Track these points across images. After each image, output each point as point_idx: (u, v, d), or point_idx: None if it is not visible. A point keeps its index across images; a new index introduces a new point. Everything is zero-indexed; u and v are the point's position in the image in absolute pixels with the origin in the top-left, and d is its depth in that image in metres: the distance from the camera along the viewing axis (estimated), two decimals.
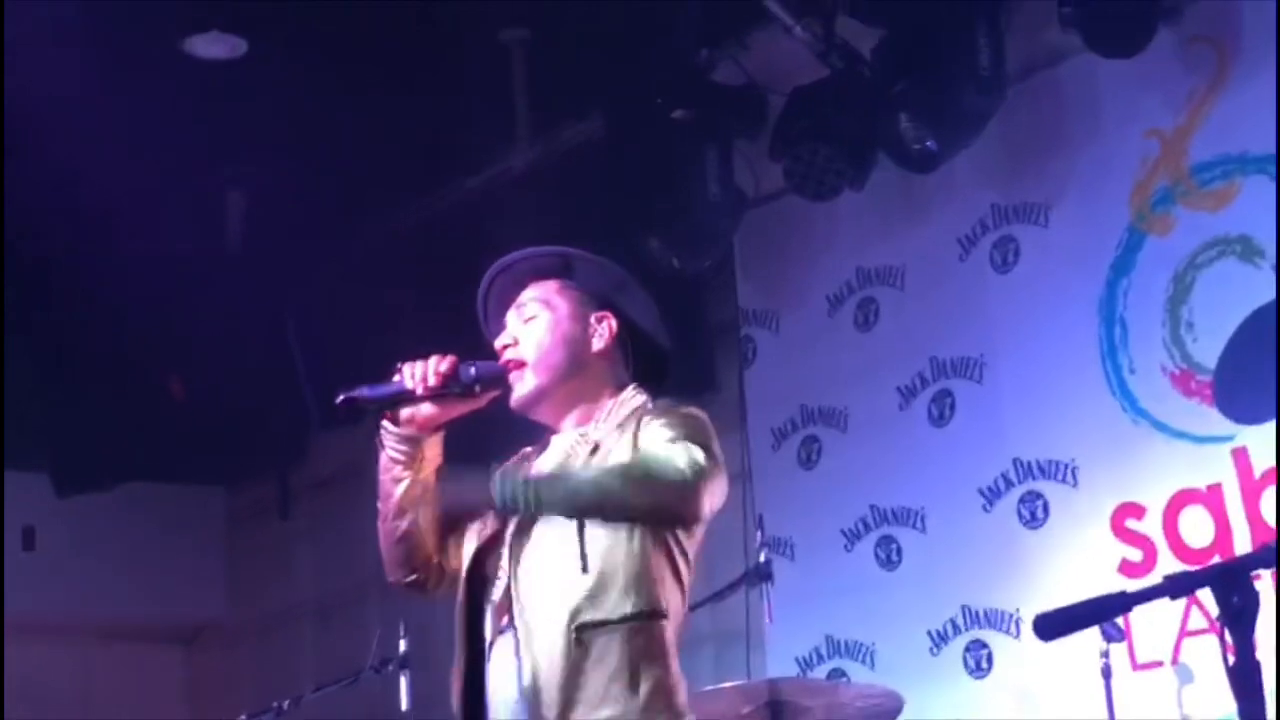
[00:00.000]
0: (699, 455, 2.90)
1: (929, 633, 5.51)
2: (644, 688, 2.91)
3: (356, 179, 6.61)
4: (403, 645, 5.01)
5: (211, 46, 6.01)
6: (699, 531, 3.05)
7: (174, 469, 7.73)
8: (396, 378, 3.07)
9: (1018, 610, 5.30)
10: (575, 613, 2.91)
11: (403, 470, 3.11)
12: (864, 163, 5.50)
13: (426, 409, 3.08)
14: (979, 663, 5.41)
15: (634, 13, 5.68)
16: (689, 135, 5.75)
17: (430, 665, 4.23)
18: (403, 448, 3.10)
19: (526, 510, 2.93)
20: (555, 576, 2.95)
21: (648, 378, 3.19)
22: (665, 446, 2.92)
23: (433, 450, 3.13)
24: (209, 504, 8.36)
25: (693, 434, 2.97)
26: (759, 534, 4.79)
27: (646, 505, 2.90)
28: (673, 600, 3.00)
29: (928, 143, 5.21)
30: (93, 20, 5.57)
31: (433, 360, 3.06)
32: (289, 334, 6.84)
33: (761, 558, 4.68)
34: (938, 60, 5.15)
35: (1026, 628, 5.24)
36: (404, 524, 3.13)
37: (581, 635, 2.90)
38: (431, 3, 5.78)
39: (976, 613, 5.43)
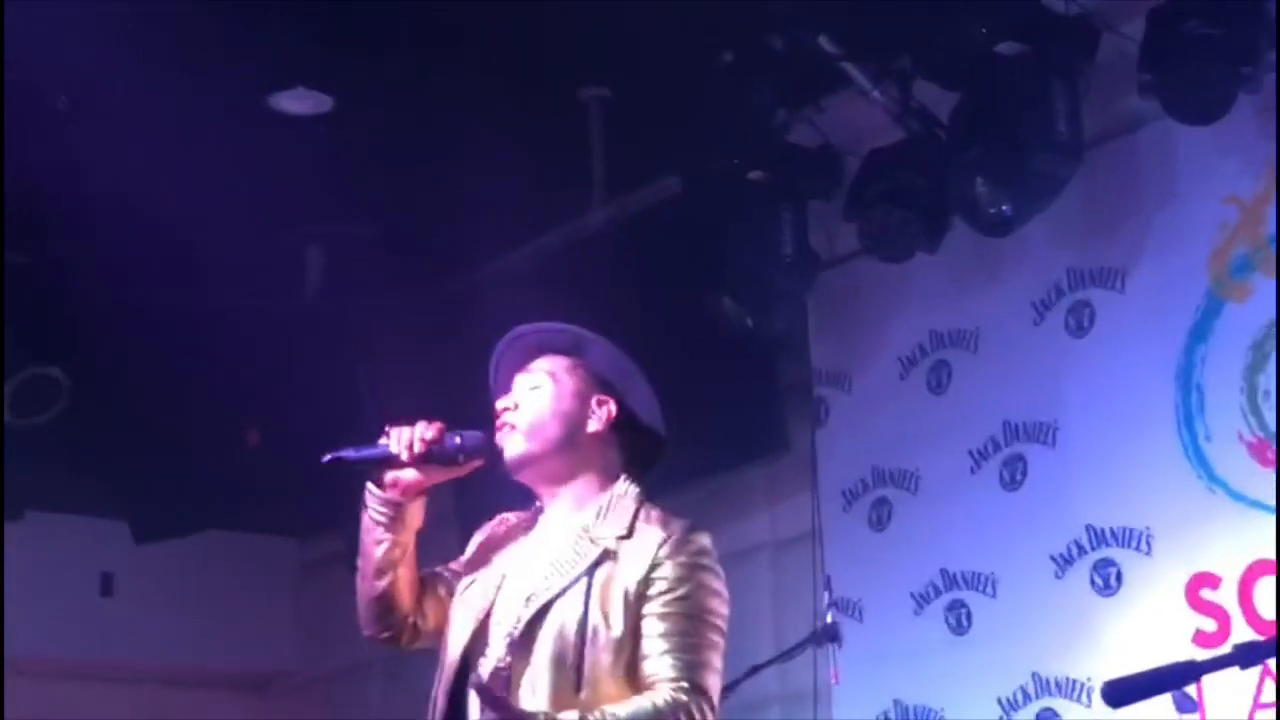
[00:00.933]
0: (704, 704, 3.01)
1: (999, 700, 5.46)
2: None
3: (434, 234, 6.68)
4: (435, 701, 4.99)
5: (297, 103, 6.11)
6: None
7: (249, 518, 7.82)
8: (383, 440, 3.14)
9: (1089, 679, 5.24)
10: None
11: (384, 532, 3.20)
12: (938, 225, 5.51)
13: (410, 474, 3.17)
14: None
15: (712, 73, 5.73)
16: (764, 196, 5.78)
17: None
18: (385, 510, 3.19)
19: None
20: (553, 680, 3.03)
21: (638, 467, 3.26)
22: (669, 707, 2.99)
23: (414, 514, 3.21)
24: (282, 554, 8.44)
25: (697, 623, 3.06)
26: (827, 595, 4.79)
27: None
28: None
29: (1003, 207, 5.22)
30: (182, 76, 5.68)
31: (419, 426, 3.13)
32: (361, 388, 6.91)
33: (829, 618, 4.66)
34: (1014, 125, 5.15)
35: (1098, 697, 5.17)
36: (382, 584, 3.23)
37: None
38: (512, 60, 5.85)
39: (1047, 681, 5.37)
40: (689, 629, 3.05)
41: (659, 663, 3.02)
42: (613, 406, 3.24)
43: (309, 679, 8.45)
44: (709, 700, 3.02)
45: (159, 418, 6.96)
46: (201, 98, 5.86)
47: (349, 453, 3.14)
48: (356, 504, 3.27)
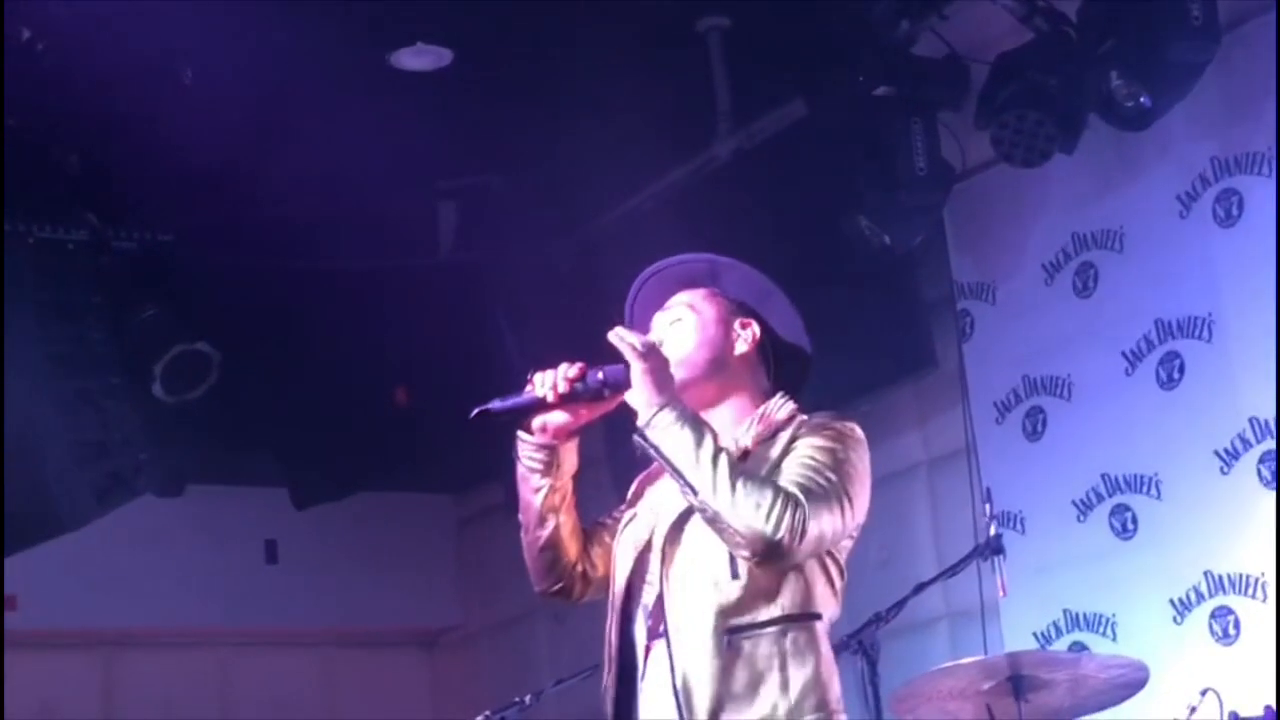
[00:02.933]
0: (802, 513, 2.90)
1: (1171, 601, 5.37)
2: (794, 687, 2.93)
3: (563, 181, 6.68)
4: (609, 640, 5.01)
5: (418, 58, 6.12)
6: (846, 541, 3.08)
7: (404, 478, 7.91)
8: (529, 387, 3.11)
9: (1263, 574, 5.13)
10: (726, 617, 2.95)
11: (540, 479, 3.17)
12: (1074, 125, 5.39)
13: (558, 416, 3.12)
14: (1226, 629, 5.25)
15: None
16: (892, 111, 5.69)
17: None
18: (538, 456, 3.16)
19: (650, 425, 2.95)
20: (707, 582, 2.98)
21: (789, 387, 3.22)
22: (773, 490, 2.92)
23: (569, 457, 3.19)
24: (439, 511, 8.53)
25: (833, 467, 2.99)
26: (988, 507, 4.70)
27: (730, 530, 2.91)
28: (824, 600, 3.03)
29: (1141, 99, 5.10)
30: (301, 41, 5.72)
31: (561, 367, 3.09)
32: (504, 340, 6.94)
33: (992, 531, 4.59)
34: (1146, 15, 5.02)
35: (1273, 591, 5.08)
36: (545, 532, 3.20)
37: (733, 639, 2.94)
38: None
39: (1220, 578, 5.27)
40: (825, 467, 2.97)
41: (786, 476, 2.97)
42: (756, 328, 3.21)
43: (475, 632, 8.55)
44: (805, 513, 2.90)
45: (308, 384, 7.05)
46: (322, 61, 5.89)
47: (495, 404, 3.10)
48: (510, 456, 3.26)
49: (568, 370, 3.08)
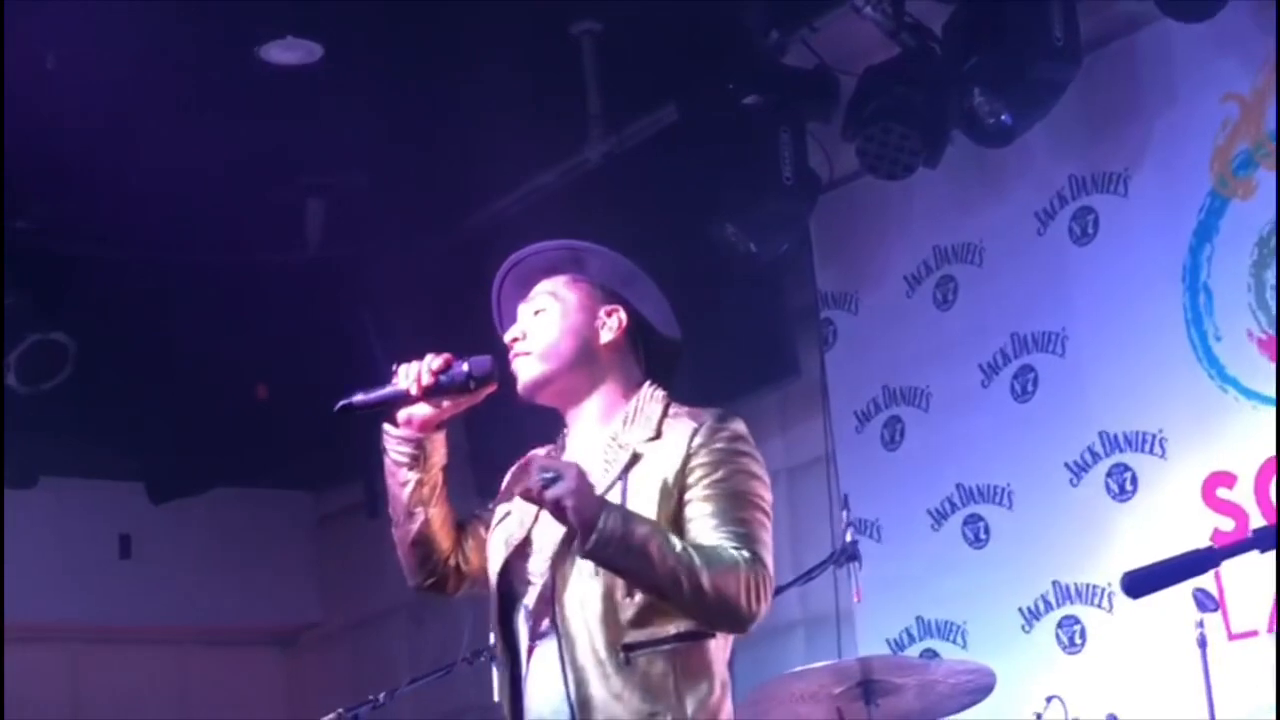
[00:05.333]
0: (764, 575, 2.92)
1: (1020, 610, 5.48)
2: (689, 704, 2.91)
3: (432, 180, 6.65)
4: (493, 637, 5.01)
5: (287, 52, 6.07)
6: None
7: (263, 473, 7.83)
8: (394, 380, 3.09)
9: (1110, 584, 5.25)
10: (622, 632, 2.91)
11: (408, 472, 3.13)
12: (938, 140, 5.47)
13: (423, 409, 3.09)
14: (1072, 638, 5.37)
15: (703, 0, 5.69)
16: (761, 120, 5.74)
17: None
18: (405, 449, 3.12)
19: (598, 538, 2.84)
20: (600, 594, 2.93)
21: (660, 375, 3.18)
22: (734, 563, 2.89)
23: (436, 449, 3.14)
24: (299, 507, 8.46)
25: (753, 494, 2.98)
26: (845, 514, 4.77)
27: (705, 615, 2.91)
28: None
29: (1002, 117, 5.18)
30: (171, 32, 5.65)
31: (426, 359, 3.06)
32: (370, 338, 6.89)
33: (848, 537, 4.66)
34: (1010, 32, 5.11)
35: (1119, 601, 5.19)
36: (415, 526, 3.16)
37: (629, 655, 2.91)
38: (501, 0, 5.81)
39: (1068, 588, 5.39)
40: (735, 506, 2.95)
41: (712, 540, 2.93)
42: (623, 314, 3.14)
43: (335, 630, 8.49)
44: (767, 573, 2.92)
45: (168, 378, 6.96)
46: (191, 52, 5.82)
47: (359, 397, 3.07)
48: (371, 453, 3.23)
49: (432, 362, 3.06)
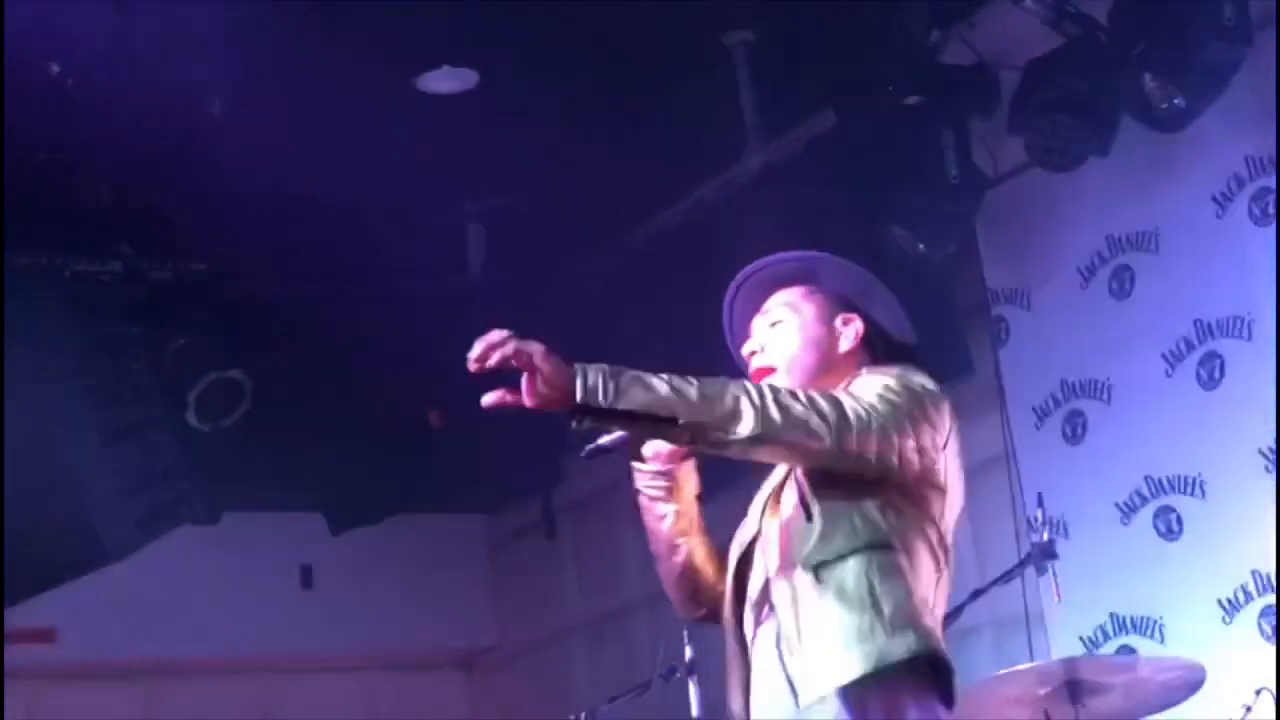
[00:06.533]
0: (849, 405, 2.83)
1: (1219, 601, 5.36)
2: (885, 607, 2.81)
3: (594, 198, 6.68)
4: (689, 652, 5.03)
5: (444, 82, 6.13)
6: (917, 464, 2.90)
7: (437, 499, 7.91)
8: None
9: None
10: (809, 556, 2.86)
11: (663, 505, 3.12)
12: (1107, 127, 5.40)
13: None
14: (1276, 628, 5.24)
15: (858, 3, 5.65)
16: (923, 120, 5.70)
17: (716, 670, 4.25)
18: (657, 483, 3.12)
19: (605, 397, 2.74)
20: (791, 540, 2.91)
21: None
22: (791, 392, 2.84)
23: (688, 479, 3.14)
24: (473, 531, 8.53)
25: (880, 392, 2.89)
26: (1040, 513, 4.69)
27: (765, 430, 2.79)
28: (908, 535, 2.88)
29: (1175, 100, 5.10)
30: (328, 69, 5.73)
31: None
32: None
33: (1045, 536, 4.58)
34: (1178, 16, 5.03)
35: None
36: (679, 559, 3.14)
37: (818, 573, 2.85)
38: (652, 15, 5.81)
39: (1268, 577, 5.26)
40: (875, 384, 2.90)
41: None
42: (859, 323, 3.11)
43: (512, 652, 8.55)
44: (846, 407, 2.82)
45: (342, 409, 7.05)
46: (350, 89, 5.90)
47: (604, 439, 3.01)
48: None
49: None
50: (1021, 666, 4.52)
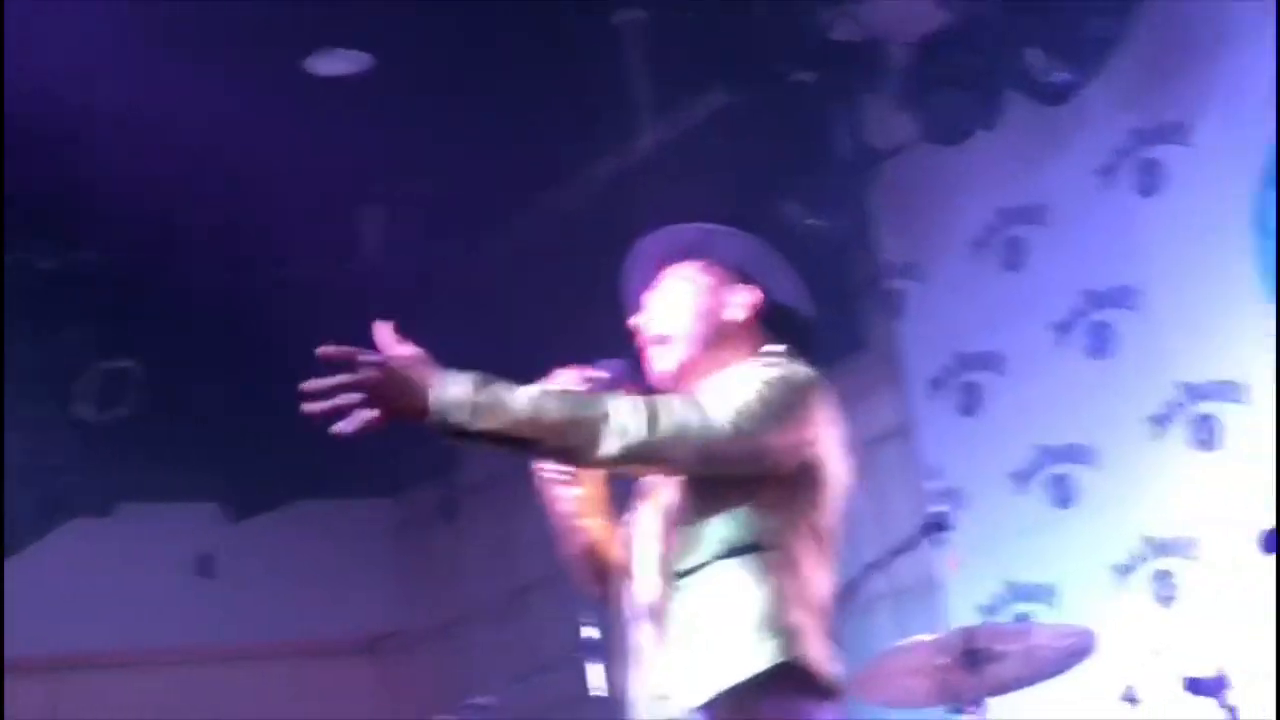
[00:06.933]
0: (718, 412, 2.79)
1: (1112, 566, 5.44)
2: (750, 614, 2.81)
3: (488, 179, 6.65)
4: (591, 631, 5.02)
5: (335, 64, 6.07)
6: (792, 459, 2.88)
7: (339, 485, 7.85)
8: None
9: (1199, 537, 5.21)
10: (673, 563, 2.89)
11: (565, 490, 3.13)
12: (994, 102, 5.46)
13: None
14: (1166, 592, 5.33)
15: None
16: (814, 96, 5.73)
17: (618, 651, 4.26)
18: (559, 469, 3.11)
19: (461, 435, 2.73)
20: (661, 540, 2.93)
21: (793, 352, 3.09)
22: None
23: None
24: (375, 515, 8.48)
25: (755, 388, 2.86)
26: (935, 483, 4.75)
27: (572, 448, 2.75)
28: (784, 532, 2.87)
29: (1059, 74, 5.16)
30: (218, 53, 5.66)
31: (563, 376, 3.02)
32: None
33: (942, 507, 4.63)
34: None
35: (1208, 552, 5.17)
36: (581, 539, 3.15)
37: (680, 580, 2.87)
38: None
39: (1160, 542, 5.35)
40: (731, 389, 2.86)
41: None
42: (753, 294, 3.09)
43: (416, 637, 8.51)
44: (681, 405, 2.80)
45: (237, 397, 6.99)
46: (239, 73, 5.83)
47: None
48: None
49: (572, 380, 3.00)
50: (920, 637, 4.56)
